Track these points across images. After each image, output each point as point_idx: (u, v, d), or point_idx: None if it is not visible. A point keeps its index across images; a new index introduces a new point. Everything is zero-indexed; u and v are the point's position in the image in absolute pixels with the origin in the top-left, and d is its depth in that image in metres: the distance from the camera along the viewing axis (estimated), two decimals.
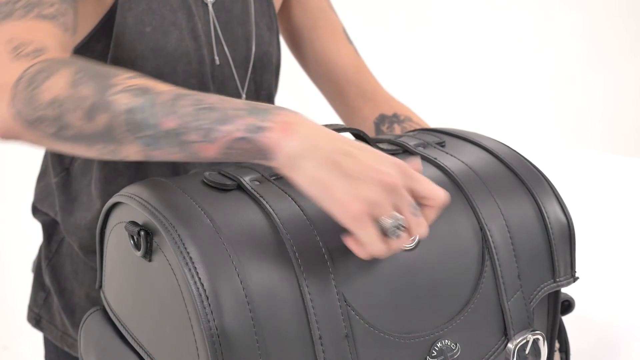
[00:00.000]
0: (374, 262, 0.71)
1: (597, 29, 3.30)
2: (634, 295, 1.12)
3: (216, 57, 1.03)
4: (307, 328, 0.67)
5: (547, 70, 3.22)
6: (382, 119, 1.13)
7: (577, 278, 0.82)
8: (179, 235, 0.67)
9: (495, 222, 0.78)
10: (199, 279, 0.65)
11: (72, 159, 1.06)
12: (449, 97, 2.97)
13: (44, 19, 0.79)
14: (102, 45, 0.98)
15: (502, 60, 3.11)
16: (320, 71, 1.19)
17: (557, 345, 0.87)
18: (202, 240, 0.67)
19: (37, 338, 1.26)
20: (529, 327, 0.77)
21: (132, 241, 0.73)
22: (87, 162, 1.03)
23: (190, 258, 0.65)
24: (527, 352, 0.77)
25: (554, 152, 1.67)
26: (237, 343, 0.64)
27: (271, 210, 0.70)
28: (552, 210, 0.81)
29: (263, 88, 1.11)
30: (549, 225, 0.80)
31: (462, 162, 0.82)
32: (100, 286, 0.85)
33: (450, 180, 0.79)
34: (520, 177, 0.82)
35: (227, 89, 1.05)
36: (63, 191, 1.05)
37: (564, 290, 0.93)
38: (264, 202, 0.71)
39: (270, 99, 1.12)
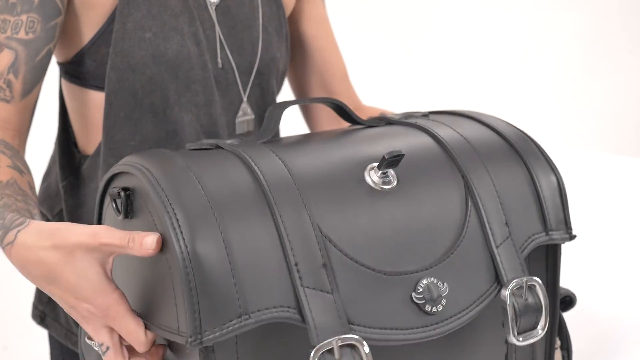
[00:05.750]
0: (352, 206, 0.72)
1: (597, 29, 3.30)
2: (635, 293, 1.12)
3: (219, 61, 1.03)
4: (282, 255, 0.67)
5: (547, 70, 3.22)
6: None
7: (574, 236, 0.81)
8: (166, 196, 0.67)
9: (479, 173, 0.78)
10: (184, 239, 0.65)
11: (80, 160, 1.05)
12: (449, 98, 2.97)
13: None
14: (101, 54, 0.98)
15: (502, 60, 3.11)
16: (317, 80, 1.20)
17: (558, 342, 0.86)
18: (189, 201, 0.67)
19: (37, 338, 1.26)
20: (522, 274, 0.76)
21: (113, 205, 0.73)
22: (93, 166, 1.03)
23: (177, 220, 0.65)
24: (524, 299, 0.75)
25: (554, 152, 1.67)
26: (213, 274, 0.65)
27: (256, 168, 0.71)
28: (539, 166, 0.81)
29: (268, 93, 1.10)
30: (535, 178, 0.80)
31: (446, 125, 0.83)
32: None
33: (434, 140, 0.80)
34: (505, 137, 0.83)
35: (231, 94, 1.05)
36: (72, 195, 1.05)
37: (565, 285, 0.92)
38: (247, 158, 0.72)
39: (273, 103, 1.12)
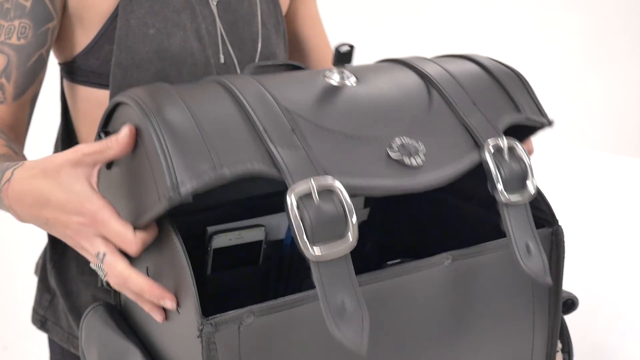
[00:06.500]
0: (315, 92, 0.75)
1: (598, 29, 3.30)
2: (635, 293, 1.12)
3: (221, 56, 1.03)
4: (249, 124, 0.69)
5: (548, 70, 3.22)
6: None
7: (552, 122, 0.83)
8: (139, 96, 0.70)
9: (436, 70, 0.82)
10: (152, 111, 0.67)
11: None
12: None
13: None
14: (104, 52, 0.98)
15: (503, 60, 3.11)
16: None
17: (559, 345, 0.86)
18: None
19: (37, 338, 1.26)
20: (498, 136, 0.77)
21: None
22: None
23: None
24: (505, 158, 0.76)
25: (554, 152, 1.67)
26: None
27: (238, 94, 0.73)
28: (488, 61, 0.86)
29: None
30: (490, 69, 0.84)
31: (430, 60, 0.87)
32: (102, 285, 0.85)
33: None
34: (470, 57, 0.87)
35: None
36: None
37: (565, 284, 0.93)
38: (230, 85, 0.74)
39: None
